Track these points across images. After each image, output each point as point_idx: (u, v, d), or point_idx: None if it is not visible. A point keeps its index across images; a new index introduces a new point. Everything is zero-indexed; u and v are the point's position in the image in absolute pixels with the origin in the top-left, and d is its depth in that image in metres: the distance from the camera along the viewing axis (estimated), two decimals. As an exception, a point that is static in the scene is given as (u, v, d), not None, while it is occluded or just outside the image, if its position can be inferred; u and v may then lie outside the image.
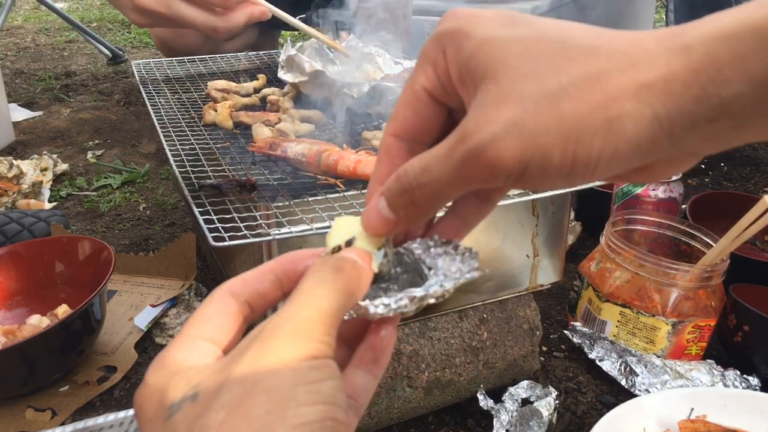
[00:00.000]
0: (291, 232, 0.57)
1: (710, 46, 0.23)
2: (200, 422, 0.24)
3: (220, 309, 0.29)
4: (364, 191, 0.64)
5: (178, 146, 0.74)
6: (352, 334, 0.33)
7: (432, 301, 0.30)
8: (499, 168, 0.25)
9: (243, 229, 0.56)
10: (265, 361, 0.25)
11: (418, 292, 0.30)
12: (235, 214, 0.59)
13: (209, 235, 0.54)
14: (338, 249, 0.31)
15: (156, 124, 0.81)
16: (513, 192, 0.66)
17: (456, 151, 0.26)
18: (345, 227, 0.32)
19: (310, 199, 0.63)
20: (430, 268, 0.32)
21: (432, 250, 0.33)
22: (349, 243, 0.31)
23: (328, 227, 0.57)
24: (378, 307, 0.30)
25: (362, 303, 0.30)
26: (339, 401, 0.25)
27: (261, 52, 1.23)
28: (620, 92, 0.24)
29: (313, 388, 0.24)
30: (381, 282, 0.32)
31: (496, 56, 0.26)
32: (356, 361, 0.32)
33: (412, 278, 0.32)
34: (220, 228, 0.56)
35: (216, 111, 0.84)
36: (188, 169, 0.68)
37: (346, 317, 0.30)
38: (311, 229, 0.57)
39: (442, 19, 0.29)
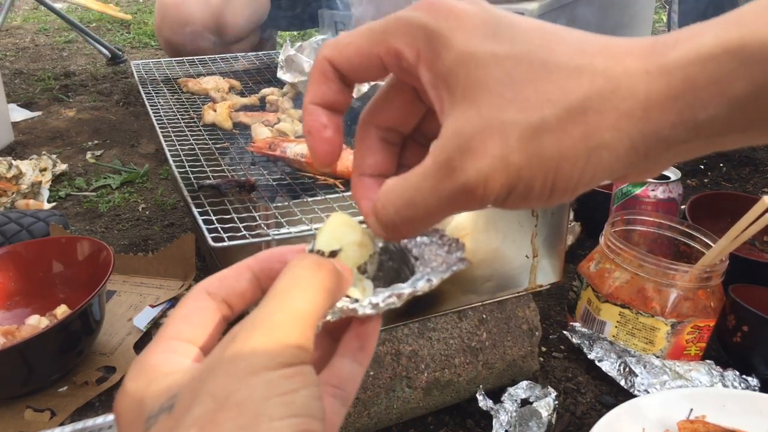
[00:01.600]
0: (290, 233, 0.57)
1: (688, 70, 0.23)
2: None
3: (197, 308, 0.29)
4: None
5: (177, 146, 0.74)
6: (336, 325, 0.33)
7: (420, 293, 0.30)
8: (487, 198, 0.26)
9: (242, 229, 0.56)
10: (236, 371, 0.24)
11: (405, 288, 0.29)
12: (234, 215, 0.59)
13: (208, 236, 0.54)
14: (320, 253, 0.30)
15: (155, 125, 0.81)
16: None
17: (443, 187, 0.26)
18: (338, 229, 0.31)
19: (309, 199, 0.63)
20: (416, 258, 0.32)
21: (418, 239, 0.32)
22: (333, 254, 0.30)
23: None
24: (366, 307, 0.29)
25: (350, 305, 0.29)
26: (313, 411, 0.24)
27: (260, 53, 1.23)
28: (601, 123, 0.24)
29: (285, 399, 0.23)
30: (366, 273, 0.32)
31: (477, 78, 0.25)
32: (342, 350, 0.32)
33: (398, 267, 0.32)
34: (219, 228, 0.56)
35: (215, 111, 0.84)
36: (187, 169, 0.68)
37: (331, 318, 0.29)
38: (310, 230, 0.57)
39: (419, 4, 0.27)
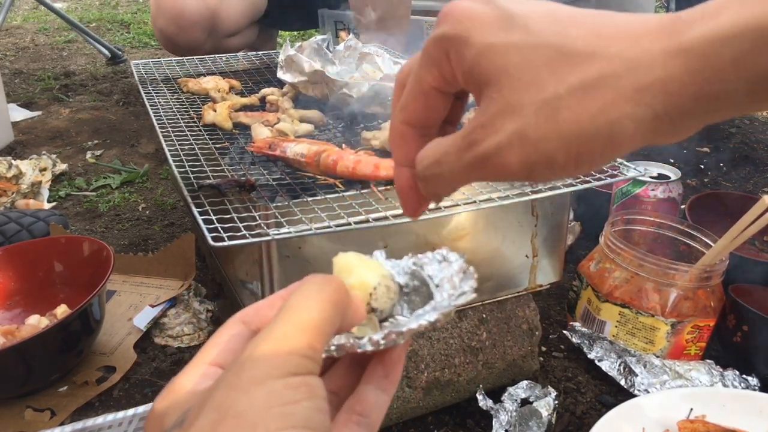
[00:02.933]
0: (290, 233, 0.57)
1: (707, 48, 0.24)
2: None
3: (230, 335, 0.30)
4: (363, 191, 0.64)
5: (177, 146, 0.74)
6: (363, 354, 0.33)
7: (422, 330, 0.30)
8: (505, 171, 0.28)
9: (242, 229, 0.56)
10: (239, 383, 0.24)
11: (405, 327, 0.30)
12: (234, 215, 0.59)
13: (208, 235, 0.54)
14: None
15: (155, 125, 0.81)
16: (512, 192, 0.66)
17: (465, 155, 0.29)
18: (346, 265, 0.32)
19: (309, 199, 0.62)
20: (437, 286, 0.33)
21: (436, 264, 0.34)
22: None
23: (328, 227, 0.57)
24: (366, 344, 0.29)
25: (351, 341, 0.29)
26: (314, 423, 0.24)
27: (260, 52, 1.23)
28: (618, 96, 0.25)
29: (285, 410, 0.23)
30: (402, 294, 0.33)
31: (498, 65, 0.27)
32: (367, 377, 0.32)
33: (427, 291, 0.33)
34: (219, 228, 0.56)
35: (215, 111, 0.84)
36: (187, 169, 0.68)
37: (335, 353, 0.29)
38: (310, 230, 0.57)
39: (439, 20, 0.30)
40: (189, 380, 0.28)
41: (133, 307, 0.97)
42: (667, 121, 0.25)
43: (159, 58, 1.21)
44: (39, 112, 1.89)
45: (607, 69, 0.25)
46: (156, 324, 0.93)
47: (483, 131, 0.28)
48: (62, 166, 1.47)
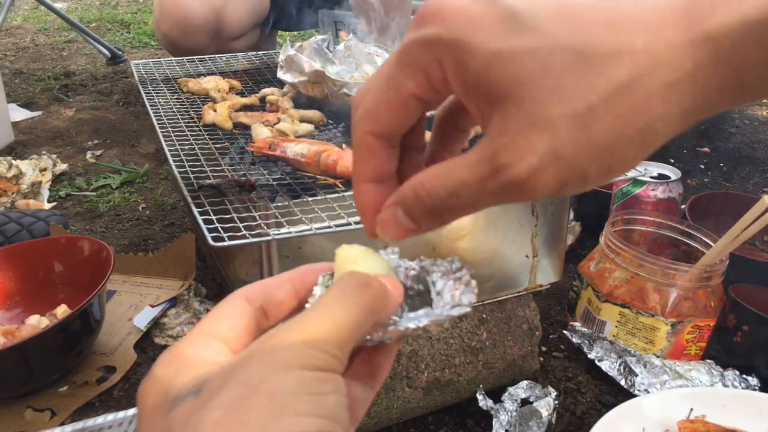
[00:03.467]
0: (290, 233, 0.57)
1: (734, 37, 0.23)
2: (195, 418, 0.23)
3: (235, 311, 0.29)
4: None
5: (177, 146, 0.74)
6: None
7: (410, 333, 0.30)
8: (536, 193, 0.25)
9: (242, 229, 0.56)
10: (271, 364, 0.24)
11: (395, 326, 0.30)
12: (234, 215, 0.59)
13: (208, 235, 0.54)
14: None
15: (155, 125, 0.81)
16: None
17: (491, 183, 0.26)
18: (350, 256, 0.32)
19: (309, 199, 0.62)
20: (438, 293, 0.33)
21: (441, 272, 0.33)
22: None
23: (328, 227, 0.57)
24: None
25: None
26: (340, 418, 0.24)
27: (260, 52, 1.23)
28: (650, 98, 0.24)
29: (315, 399, 0.24)
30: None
31: (511, 75, 0.24)
32: (353, 373, 0.32)
33: (428, 297, 0.33)
34: (219, 228, 0.56)
35: (215, 111, 0.84)
36: (187, 169, 0.68)
37: None
38: (310, 230, 0.57)
39: (423, 17, 0.26)
40: (193, 350, 0.27)
41: (133, 307, 0.97)
42: (691, 116, 0.24)
43: (159, 58, 1.21)
44: (39, 112, 1.89)
45: (634, 69, 0.23)
46: (156, 324, 0.94)
47: (510, 154, 0.25)
48: (62, 166, 1.47)
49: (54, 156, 1.48)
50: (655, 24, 0.23)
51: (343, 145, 0.72)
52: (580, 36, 0.24)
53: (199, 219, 0.57)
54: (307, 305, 0.30)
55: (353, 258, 0.32)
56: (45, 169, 1.42)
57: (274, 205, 0.61)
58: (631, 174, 0.70)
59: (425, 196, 0.27)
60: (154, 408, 0.26)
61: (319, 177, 0.68)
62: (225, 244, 0.53)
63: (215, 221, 0.57)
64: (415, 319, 0.30)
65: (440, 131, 0.32)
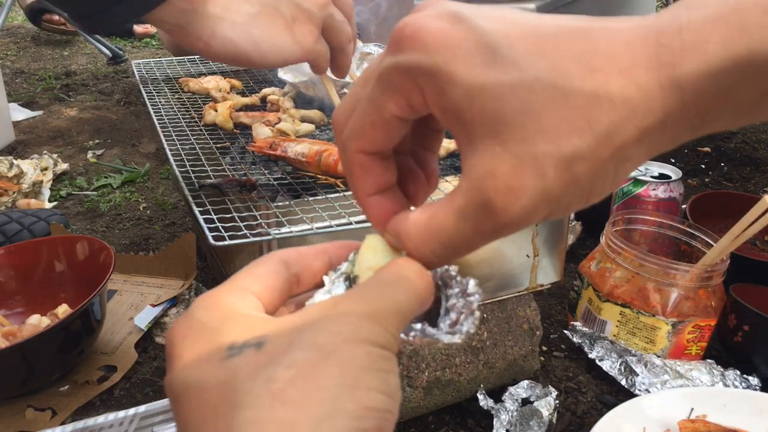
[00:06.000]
0: (291, 232, 0.57)
1: (700, 84, 0.24)
2: (266, 372, 0.23)
3: (271, 271, 0.29)
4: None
5: (179, 146, 0.74)
6: None
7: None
8: (526, 226, 0.27)
9: (243, 228, 0.56)
10: (342, 334, 0.24)
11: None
12: (235, 214, 0.59)
13: (209, 235, 0.54)
14: (354, 278, 0.30)
15: (156, 124, 0.81)
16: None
17: (485, 226, 0.26)
18: (379, 246, 0.31)
19: (310, 198, 0.63)
20: (447, 310, 0.31)
21: (456, 290, 0.31)
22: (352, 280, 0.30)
23: (329, 227, 0.57)
24: None
25: None
26: (398, 397, 0.25)
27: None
28: (626, 143, 0.25)
29: (383, 376, 0.24)
30: None
31: (493, 112, 0.25)
32: None
33: (436, 310, 0.32)
34: (221, 227, 0.56)
35: (216, 111, 0.84)
36: (188, 168, 0.68)
37: None
38: (311, 229, 0.57)
39: (400, 41, 0.26)
40: (234, 301, 0.27)
41: (134, 306, 0.97)
42: (655, 152, 0.26)
43: (160, 57, 1.20)
44: (40, 112, 1.89)
45: (612, 114, 0.24)
46: (157, 323, 0.94)
47: (503, 198, 0.25)
48: (63, 166, 1.47)
49: (55, 155, 1.48)
50: (627, 64, 0.24)
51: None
52: (558, 73, 0.24)
53: (200, 218, 0.57)
54: (319, 292, 0.30)
55: (382, 248, 0.31)
56: (46, 169, 1.42)
57: (275, 204, 0.61)
58: (631, 173, 0.70)
59: (414, 251, 0.29)
60: (202, 352, 0.25)
61: (320, 176, 0.68)
62: (226, 243, 0.53)
63: (216, 221, 0.57)
64: (410, 331, 0.29)
65: (416, 134, 0.32)
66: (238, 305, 0.27)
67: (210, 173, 0.68)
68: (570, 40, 0.25)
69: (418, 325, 0.30)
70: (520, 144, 0.24)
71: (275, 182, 0.67)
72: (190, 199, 0.62)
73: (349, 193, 0.64)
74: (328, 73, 0.82)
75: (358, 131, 0.29)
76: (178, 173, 0.67)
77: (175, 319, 0.27)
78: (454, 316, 0.30)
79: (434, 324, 0.30)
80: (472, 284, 0.31)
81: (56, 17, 2.45)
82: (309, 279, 0.31)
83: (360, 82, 0.29)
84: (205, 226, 0.56)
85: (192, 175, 0.66)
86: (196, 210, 0.59)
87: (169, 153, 0.72)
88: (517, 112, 0.24)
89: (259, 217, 0.59)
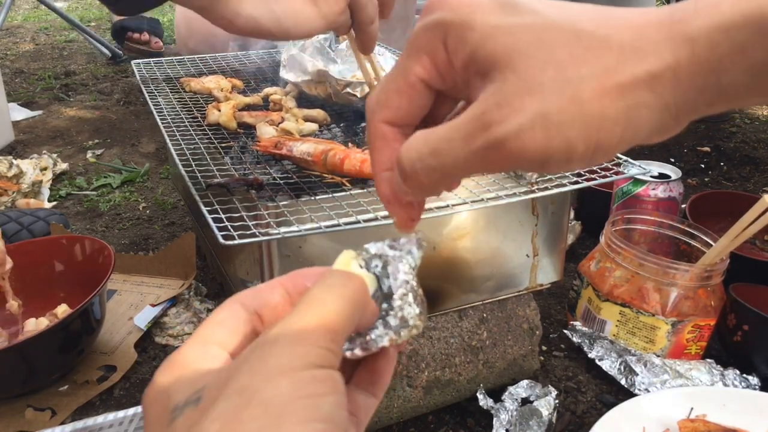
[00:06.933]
0: (300, 230, 0.57)
1: (712, 37, 0.24)
2: (195, 431, 0.23)
3: (230, 316, 0.29)
4: (370, 189, 0.64)
5: (183, 146, 0.74)
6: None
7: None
8: (522, 158, 0.26)
9: (251, 227, 0.56)
10: (264, 369, 0.24)
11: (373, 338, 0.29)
12: (243, 213, 0.59)
13: (219, 234, 0.54)
14: None
15: (160, 125, 0.81)
16: (513, 191, 0.66)
17: (476, 140, 0.26)
18: (346, 265, 0.31)
19: (316, 197, 0.63)
20: (391, 309, 0.30)
21: (407, 299, 0.30)
22: None
23: (336, 225, 0.57)
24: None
25: None
26: (338, 420, 0.23)
27: (261, 51, 1.23)
28: (636, 83, 0.25)
29: (312, 402, 0.23)
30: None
31: (508, 44, 0.25)
32: (356, 381, 0.32)
33: (382, 296, 0.31)
34: (229, 227, 0.56)
35: (219, 111, 0.84)
36: (194, 168, 0.68)
37: None
38: (319, 228, 0.57)
39: (429, 7, 0.28)
40: (192, 357, 0.27)
41: (133, 306, 0.97)
42: (673, 113, 0.26)
43: (159, 57, 1.20)
44: (40, 112, 1.89)
45: (621, 55, 0.25)
46: (156, 323, 0.94)
47: (500, 111, 0.25)
48: (63, 166, 1.47)
49: (54, 155, 1.48)
50: (640, 24, 0.25)
51: (349, 144, 0.72)
52: (573, 20, 0.26)
53: (209, 218, 0.57)
54: None
55: (347, 262, 0.31)
56: (45, 169, 1.42)
57: (282, 203, 0.61)
58: (631, 173, 0.70)
59: (405, 153, 0.28)
60: (156, 419, 0.25)
61: (326, 175, 0.68)
62: (235, 242, 0.53)
63: (224, 220, 0.57)
64: (377, 339, 0.29)
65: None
66: (195, 361, 0.27)
67: (216, 173, 0.68)
68: (587, 7, 0.26)
69: (370, 334, 0.29)
70: (529, 71, 0.25)
71: (281, 181, 0.67)
72: (198, 198, 0.62)
73: (356, 191, 0.64)
74: (331, 71, 0.82)
75: (384, 100, 0.29)
76: (184, 173, 0.67)
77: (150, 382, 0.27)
78: (393, 311, 0.29)
79: (384, 326, 0.29)
80: (407, 243, 0.30)
81: (138, 35, 2.32)
82: (270, 314, 0.30)
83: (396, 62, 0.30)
84: (214, 225, 0.56)
85: (198, 175, 0.66)
86: (205, 210, 0.59)
87: (174, 153, 0.72)
88: (529, 44, 0.25)
89: (267, 216, 0.59)
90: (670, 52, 0.24)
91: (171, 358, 0.27)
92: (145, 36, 2.34)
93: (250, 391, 0.23)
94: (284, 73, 0.93)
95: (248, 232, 0.55)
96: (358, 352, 0.29)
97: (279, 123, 0.80)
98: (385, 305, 0.30)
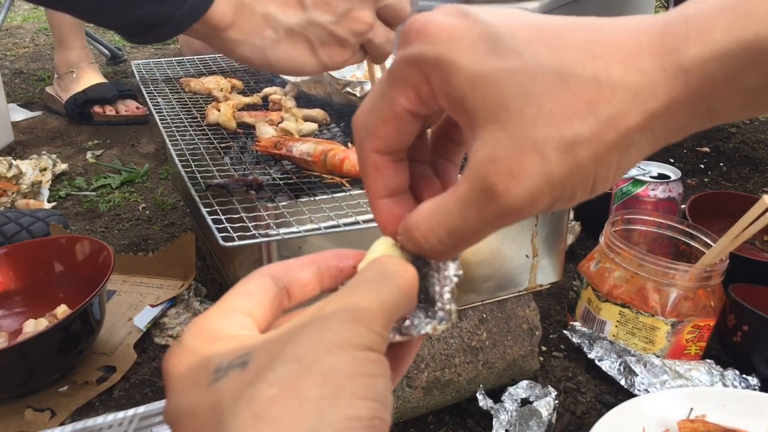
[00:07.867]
0: (299, 231, 0.57)
1: (705, 67, 0.24)
2: (249, 392, 0.23)
3: (260, 288, 0.29)
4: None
5: (183, 146, 0.74)
6: None
7: None
8: (530, 214, 0.26)
9: (251, 228, 0.56)
10: (323, 342, 0.24)
11: (415, 327, 0.30)
12: (243, 214, 0.59)
13: (218, 236, 0.54)
14: None
15: (159, 125, 0.81)
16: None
17: (487, 211, 0.26)
18: (385, 250, 0.31)
19: (316, 198, 0.63)
20: (432, 305, 0.31)
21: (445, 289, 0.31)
22: None
23: (336, 226, 0.57)
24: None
25: None
26: (387, 402, 0.24)
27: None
28: (631, 128, 0.25)
29: (368, 381, 0.23)
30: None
31: (493, 98, 0.25)
32: None
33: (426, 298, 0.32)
34: (229, 228, 0.56)
35: (219, 111, 0.84)
36: (194, 169, 0.68)
37: None
38: (319, 229, 0.57)
39: (410, 36, 0.27)
40: (222, 323, 0.27)
41: (133, 306, 0.97)
42: (661, 143, 0.26)
43: (159, 58, 1.20)
44: (39, 112, 1.88)
45: (614, 99, 0.24)
46: (156, 324, 0.94)
47: (505, 181, 0.25)
48: (62, 166, 1.47)
49: (54, 156, 1.48)
50: (629, 51, 0.24)
51: (349, 144, 0.72)
52: (559, 60, 0.25)
53: (209, 219, 0.57)
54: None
55: (388, 252, 0.31)
56: (45, 169, 1.42)
57: (282, 204, 0.61)
58: (631, 173, 0.70)
59: (422, 240, 0.28)
60: (191, 379, 0.25)
61: (325, 176, 0.68)
62: (235, 243, 0.53)
63: (224, 221, 0.57)
64: (410, 326, 0.29)
65: (437, 145, 0.33)
66: (227, 327, 0.27)
67: (215, 173, 0.68)
68: (573, 30, 0.25)
69: (407, 321, 0.29)
70: (521, 129, 0.25)
71: (281, 182, 0.67)
72: (198, 199, 0.61)
73: (356, 192, 0.64)
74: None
75: (372, 130, 0.29)
76: (183, 173, 0.67)
77: (169, 348, 0.27)
78: (439, 303, 0.30)
79: (425, 316, 0.30)
80: (452, 267, 0.31)
81: (107, 109, 1.79)
82: (298, 291, 0.30)
83: (377, 84, 0.30)
84: (214, 226, 0.56)
85: (198, 175, 0.66)
86: (204, 211, 0.59)
87: (174, 153, 0.72)
88: (517, 97, 0.25)
89: (266, 217, 0.59)
90: (664, 88, 0.24)
91: (198, 322, 0.27)
92: (113, 110, 1.81)
93: (309, 360, 0.23)
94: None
95: (248, 234, 0.55)
96: (397, 337, 0.29)
97: (278, 123, 0.80)
98: (422, 296, 0.31)
